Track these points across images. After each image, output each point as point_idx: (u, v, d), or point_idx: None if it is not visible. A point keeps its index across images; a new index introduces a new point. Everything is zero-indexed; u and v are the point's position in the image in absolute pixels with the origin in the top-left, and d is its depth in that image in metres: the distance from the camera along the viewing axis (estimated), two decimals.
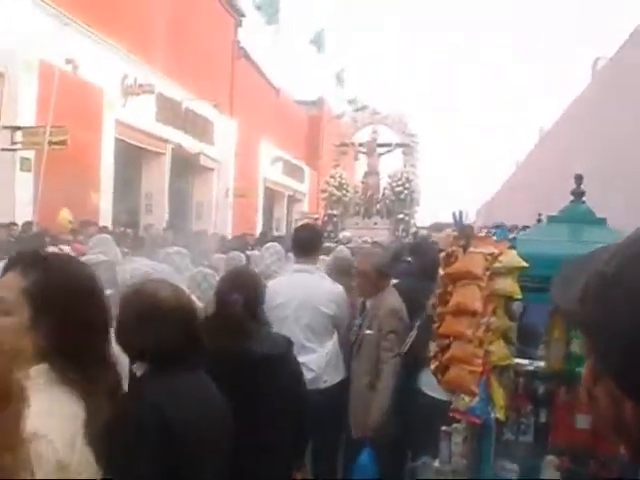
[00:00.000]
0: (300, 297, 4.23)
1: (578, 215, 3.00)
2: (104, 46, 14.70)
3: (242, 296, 3.00)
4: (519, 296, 2.55)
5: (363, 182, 20.60)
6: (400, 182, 19.55)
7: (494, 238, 2.66)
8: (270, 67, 29.54)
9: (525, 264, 2.54)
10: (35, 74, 11.95)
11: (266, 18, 27.86)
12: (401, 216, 19.39)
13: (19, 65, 11.85)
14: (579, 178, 3.09)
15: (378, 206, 20.01)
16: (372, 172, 20.54)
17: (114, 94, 15.14)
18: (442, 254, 2.70)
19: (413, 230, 20.30)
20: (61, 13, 13.02)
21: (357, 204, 20.14)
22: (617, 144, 16.04)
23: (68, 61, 13.33)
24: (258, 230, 23.88)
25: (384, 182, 20.23)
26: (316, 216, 24.52)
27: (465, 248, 2.62)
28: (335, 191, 19.89)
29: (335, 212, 19.93)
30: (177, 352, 2.05)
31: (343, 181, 20.04)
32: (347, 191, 20.03)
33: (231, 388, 2.30)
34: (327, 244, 11.54)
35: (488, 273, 2.51)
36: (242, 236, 13.76)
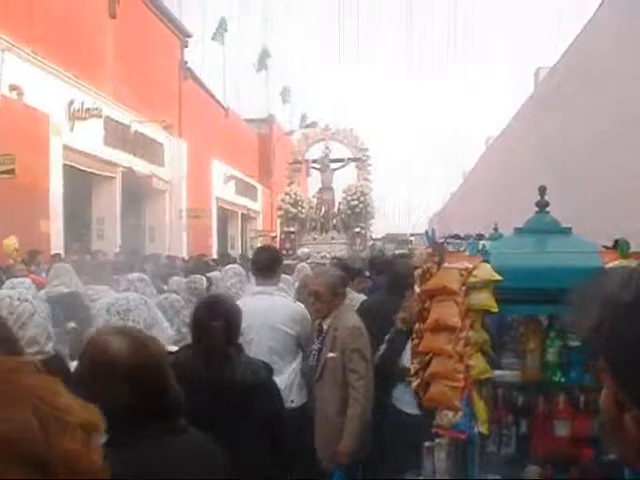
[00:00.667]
0: (262, 319, 4.16)
1: (544, 225, 3.05)
2: (49, 71, 14.44)
3: (222, 322, 2.95)
4: (495, 309, 2.57)
5: (318, 198, 20.70)
6: (355, 196, 19.72)
7: (467, 253, 2.69)
8: (218, 86, 29.51)
9: (499, 277, 2.57)
10: None
11: (213, 36, 27.92)
12: (357, 229, 19.55)
13: None
14: (543, 189, 3.15)
15: (334, 221, 20.12)
16: (326, 187, 20.69)
17: (61, 119, 14.86)
18: (417, 271, 2.71)
19: (370, 243, 20.52)
20: (4, 39, 12.75)
21: (313, 220, 20.20)
22: (560, 152, 16.51)
23: (12, 87, 13.07)
24: (214, 250, 23.71)
25: (339, 196, 20.39)
26: (274, 234, 24.51)
27: (439, 264, 2.64)
28: (291, 208, 19.92)
29: (292, 229, 19.95)
30: (134, 417, 1.71)
31: (298, 198, 20.10)
32: (303, 207, 20.09)
33: (211, 415, 2.26)
34: (286, 262, 11.55)
35: (464, 288, 2.53)
36: (200, 257, 13.59)
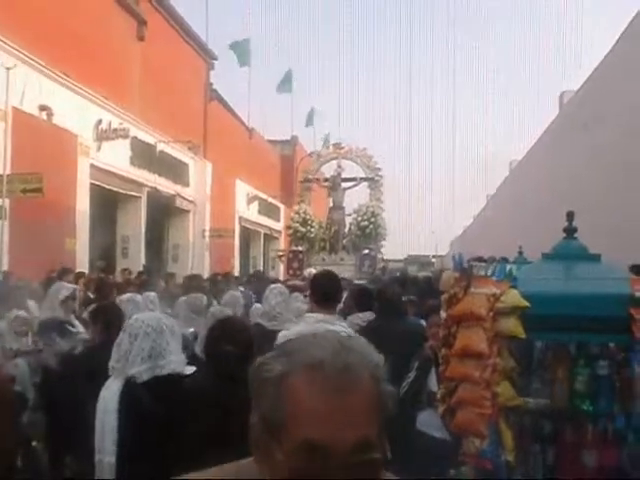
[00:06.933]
0: None
1: (572, 252, 3.03)
2: (78, 92, 14.72)
3: (234, 346, 2.92)
4: (523, 336, 2.55)
5: (328, 217, 20.51)
6: (365, 217, 19.46)
7: (494, 278, 2.67)
8: (243, 108, 29.85)
9: (527, 303, 2.55)
10: (9, 122, 11.88)
11: (239, 60, 28.27)
12: (367, 251, 19.31)
13: None
14: (571, 215, 3.13)
15: (344, 241, 19.91)
16: (337, 207, 20.46)
17: (89, 139, 15.11)
18: (443, 295, 2.70)
19: (381, 265, 20.17)
20: (35, 61, 13.04)
21: (323, 239, 20.01)
22: (586, 176, 16.37)
23: (42, 108, 13.33)
24: (236, 270, 23.79)
25: (351, 217, 20.22)
26: (281, 253, 24.36)
27: (466, 289, 2.63)
28: (300, 227, 19.74)
29: (300, 248, 19.78)
30: None
31: (307, 217, 19.91)
32: (312, 227, 19.89)
33: (223, 439, 2.25)
34: (292, 282, 11.45)
35: (491, 314, 2.52)
36: (215, 276, 13.34)
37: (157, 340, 3.08)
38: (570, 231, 3.11)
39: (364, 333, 4.22)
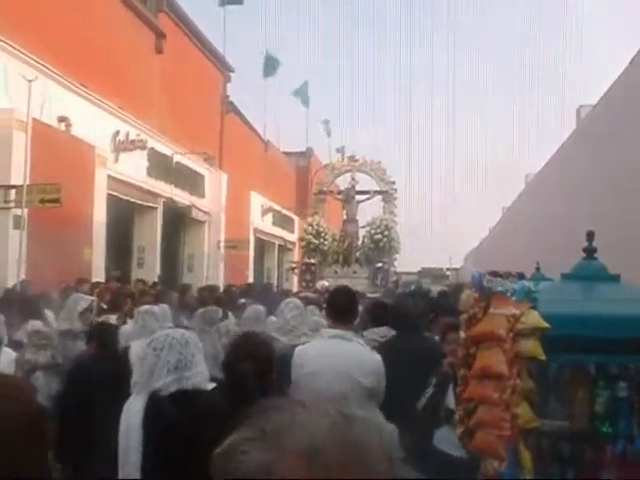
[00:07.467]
0: (335, 366, 3.74)
1: (592, 272, 3.02)
2: (96, 103, 14.88)
3: (251, 363, 2.90)
4: (543, 358, 2.54)
5: (341, 230, 20.46)
6: (379, 230, 19.39)
7: (514, 298, 2.67)
8: (259, 120, 30.01)
9: (547, 325, 2.54)
10: (29, 133, 12.03)
11: (264, 72, 28.53)
12: (380, 264, 19.23)
13: (12, 124, 11.93)
14: (591, 235, 3.12)
15: (357, 254, 19.81)
16: (351, 219, 20.41)
17: (106, 150, 15.25)
18: (463, 316, 2.69)
19: (394, 278, 20.08)
20: (53, 72, 13.20)
21: (336, 252, 19.96)
22: (603, 190, 16.28)
23: (61, 119, 13.48)
24: (250, 281, 23.83)
25: (364, 230, 20.16)
26: (294, 265, 24.34)
27: (486, 309, 2.63)
28: (313, 239, 19.70)
29: (313, 260, 19.72)
30: None
31: (321, 229, 19.88)
32: (325, 239, 19.86)
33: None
34: (304, 294, 11.45)
35: (511, 335, 2.51)
36: (229, 287, 13.32)
37: (183, 352, 3.07)
38: (590, 251, 3.10)
39: (383, 350, 4.24)
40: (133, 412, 3.00)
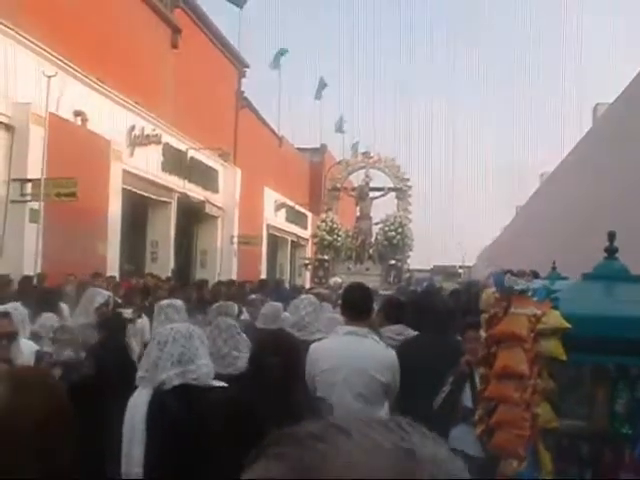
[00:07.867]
0: (352, 363, 3.77)
1: (613, 272, 2.99)
2: (112, 98, 14.95)
3: (280, 359, 2.92)
4: (564, 358, 2.52)
5: (355, 226, 20.45)
6: (393, 227, 19.34)
7: (535, 298, 2.65)
8: (273, 116, 30.03)
9: (568, 325, 2.53)
10: (45, 127, 12.11)
11: (272, 64, 28.61)
12: (393, 262, 19.17)
13: (29, 118, 12.02)
14: (612, 235, 3.09)
15: (371, 251, 19.75)
16: (364, 216, 20.35)
17: (122, 145, 15.32)
18: (484, 315, 2.68)
19: (407, 275, 20.03)
20: (70, 67, 13.27)
21: (349, 249, 19.94)
22: (617, 190, 16.15)
23: (77, 113, 13.56)
24: (262, 276, 23.89)
25: (378, 227, 20.12)
26: (307, 261, 24.33)
27: (507, 309, 2.62)
28: (326, 236, 19.66)
29: (326, 257, 19.71)
30: None
31: (334, 226, 19.85)
32: (339, 236, 19.82)
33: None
34: (317, 290, 11.45)
35: (532, 335, 2.50)
36: (242, 284, 13.29)
37: (186, 345, 3.07)
38: (611, 251, 3.08)
39: (402, 349, 4.23)
40: (138, 406, 3.01)
